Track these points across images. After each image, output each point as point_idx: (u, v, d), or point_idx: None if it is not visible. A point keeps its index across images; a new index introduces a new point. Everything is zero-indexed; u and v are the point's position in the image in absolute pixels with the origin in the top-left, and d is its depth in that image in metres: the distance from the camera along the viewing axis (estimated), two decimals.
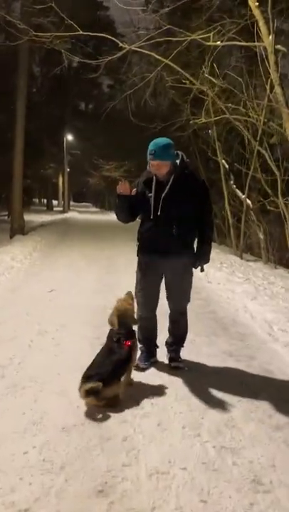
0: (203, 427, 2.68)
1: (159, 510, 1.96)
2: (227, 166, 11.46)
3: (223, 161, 11.27)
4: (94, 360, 3.05)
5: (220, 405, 2.98)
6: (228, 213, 11.23)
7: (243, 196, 10.58)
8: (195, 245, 3.57)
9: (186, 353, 3.92)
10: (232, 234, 11.37)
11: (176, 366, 3.59)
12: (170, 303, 3.66)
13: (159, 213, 3.37)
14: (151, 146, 3.30)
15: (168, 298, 3.64)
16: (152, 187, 3.40)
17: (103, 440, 2.49)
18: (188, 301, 3.66)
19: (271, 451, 2.45)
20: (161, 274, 3.56)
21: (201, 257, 3.54)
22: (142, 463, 2.29)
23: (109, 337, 3.21)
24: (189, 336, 4.35)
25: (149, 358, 3.68)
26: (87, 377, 2.85)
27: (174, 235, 3.38)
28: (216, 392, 3.18)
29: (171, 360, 3.66)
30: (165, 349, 3.76)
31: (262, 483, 2.17)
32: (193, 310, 5.46)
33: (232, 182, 11.38)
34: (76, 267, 8.37)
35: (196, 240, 3.57)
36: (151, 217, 3.40)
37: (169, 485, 2.12)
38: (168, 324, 3.76)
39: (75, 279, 7.19)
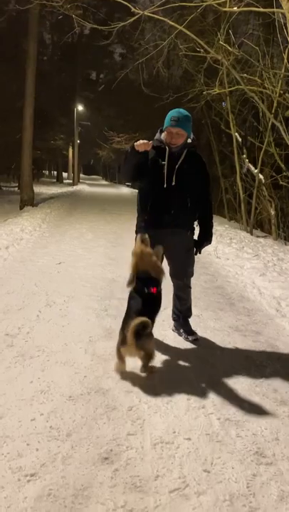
0: (208, 399, 2.71)
1: (162, 478, 1.99)
2: (240, 140, 11.20)
3: (236, 134, 11.01)
4: (130, 311, 2.97)
5: (225, 379, 3.00)
6: (240, 188, 11.05)
7: (256, 171, 10.37)
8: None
9: (193, 327, 3.93)
10: (243, 209, 11.23)
11: (195, 339, 3.59)
12: (175, 279, 3.61)
13: (173, 183, 3.26)
14: (174, 113, 3.22)
15: (173, 274, 3.58)
16: (166, 156, 3.28)
17: (109, 409, 2.53)
18: (193, 275, 3.66)
19: (275, 424, 2.47)
20: (166, 251, 3.43)
21: (207, 239, 3.51)
22: (147, 432, 2.33)
23: (137, 285, 3.07)
24: (196, 311, 4.36)
25: None
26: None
27: (187, 206, 3.32)
28: (221, 366, 3.20)
29: (187, 333, 3.63)
30: (170, 322, 3.81)
31: (265, 455, 2.20)
32: (200, 285, 5.48)
33: (245, 156, 11.14)
34: (84, 240, 8.37)
35: (199, 221, 3.53)
36: (165, 185, 3.27)
37: (172, 454, 2.16)
38: (172, 300, 3.75)
39: (83, 251, 7.19)
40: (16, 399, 2.59)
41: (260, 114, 10.12)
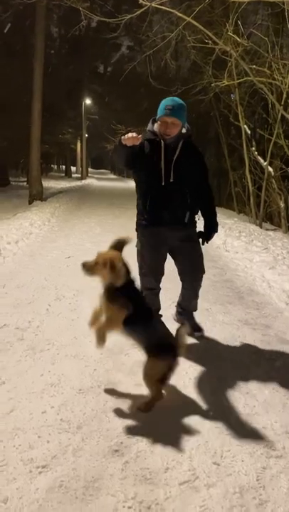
0: (217, 392, 2.71)
1: (172, 470, 2.01)
2: (249, 132, 11.10)
3: (245, 126, 10.90)
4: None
5: (234, 372, 3.00)
6: (249, 181, 10.96)
7: (265, 163, 10.28)
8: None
9: (201, 321, 3.92)
10: (252, 202, 11.15)
11: (202, 336, 3.54)
12: (186, 278, 3.44)
13: (171, 179, 3.09)
14: (168, 102, 3.02)
15: (182, 272, 3.42)
16: (161, 150, 3.08)
17: (119, 402, 2.54)
18: (204, 272, 3.45)
19: (285, 418, 2.47)
20: (169, 248, 3.32)
21: (214, 228, 3.36)
22: (157, 425, 2.34)
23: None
24: (205, 305, 4.36)
25: None
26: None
27: (187, 202, 3.17)
28: (230, 360, 3.20)
29: (193, 328, 3.50)
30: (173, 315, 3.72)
31: (275, 448, 2.20)
32: (209, 278, 5.46)
33: (254, 148, 11.04)
34: (92, 234, 8.38)
35: (202, 214, 3.39)
36: (162, 183, 3.09)
37: (182, 447, 2.17)
38: (179, 297, 3.61)
39: (92, 245, 7.21)
40: (26, 392, 2.62)
41: (270, 105, 10.01)
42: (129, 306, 2.44)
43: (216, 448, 2.18)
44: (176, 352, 2.46)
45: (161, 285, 3.51)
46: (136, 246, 3.33)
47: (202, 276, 3.45)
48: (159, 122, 3.08)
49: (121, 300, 2.46)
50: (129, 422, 2.36)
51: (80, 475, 1.96)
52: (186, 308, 3.60)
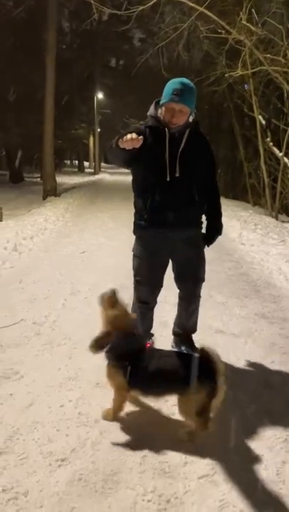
0: (235, 387, 2.69)
1: (191, 464, 2.00)
2: (264, 122, 10.93)
3: (260, 116, 10.74)
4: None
5: (252, 366, 2.98)
6: (264, 172, 10.82)
7: (281, 154, 10.12)
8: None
9: (217, 314, 3.90)
10: (267, 194, 11.01)
11: None
12: (182, 285, 3.00)
13: (177, 174, 2.67)
14: (177, 85, 2.57)
15: (180, 279, 2.98)
16: (166, 140, 2.66)
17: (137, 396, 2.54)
18: (204, 280, 3.01)
19: None
20: (171, 251, 2.88)
21: (218, 230, 2.95)
22: (176, 419, 2.33)
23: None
24: (220, 298, 4.33)
25: None
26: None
27: (195, 201, 2.76)
28: (248, 354, 3.17)
29: (193, 351, 2.96)
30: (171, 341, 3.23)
31: None
32: (224, 272, 5.43)
33: (269, 139, 10.88)
34: (106, 228, 8.39)
35: (207, 212, 2.94)
36: (168, 178, 2.67)
37: (201, 441, 2.16)
38: (176, 313, 3.15)
39: (106, 240, 7.22)
40: (45, 386, 2.64)
41: (285, 95, 9.83)
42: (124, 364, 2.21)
43: (235, 442, 2.16)
44: (215, 379, 2.08)
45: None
46: (132, 250, 2.97)
47: (201, 285, 3.00)
48: (164, 108, 2.64)
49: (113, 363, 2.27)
50: (147, 416, 2.36)
51: (98, 468, 1.96)
52: (183, 328, 3.12)
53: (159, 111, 2.69)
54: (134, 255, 2.95)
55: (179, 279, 2.99)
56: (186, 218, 2.78)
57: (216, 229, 2.94)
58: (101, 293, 2.39)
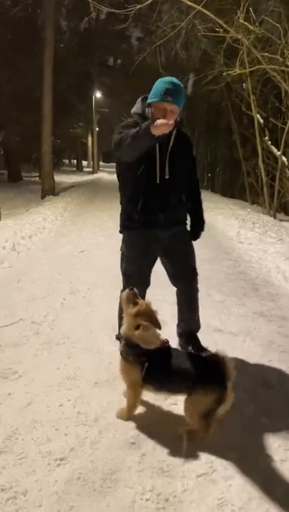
0: (237, 386, 2.69)
1: (189, 463, 2.01)
2: (262, 121, 10.94)
3: (258, 115, 10.75)
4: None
5: (250, 365, 2.98)
6: (262, 171, 10.83)
7: (279, 153, 10.13)
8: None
9: (216, 313, 3.91)
10: (265, 193, 11.02)
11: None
12: (180, 283, 3.01)
13: (167, 176, 2.66)
14: (168, 85, 2.53)
15: (176, 277, 2.98)
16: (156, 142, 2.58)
17: None
18: (198, 274, 3.05)
19: None
20: (160, 248, 2.88)
21: (201, 226, 2.99)
22: (175, 418, 2.33)
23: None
24: (219, 297, 4.34)
25: None
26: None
27: (183, 201, 2.81)
28: (246, 353, 3.17)
29: (198, 351, 3.00)
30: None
31: None
32: (223, 271, 5.44)
33: (267, 138, 10.88)
34: (105, 227, 8.39)
35: (190, 210, 2.98)
36: (158, 181, 2.65)
37: (201, 440, 2.16)
38: (178, 314, 3.13)
39: (105, 239, 7.22)
40: (43, 385, 2.64)
41: (283, 93, 9.84)
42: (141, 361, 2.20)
43: (236, 441, 2.17)
44: (225, 383, 2.08)
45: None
46: (120, 249, 2.94)
47: (197, 278, 3.03)
48: (153, 107, 2.58)
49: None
50: (146, 415, 2.36)
51: (97, 467, 1.97)
52: (188, 326, 3.10)
53: (148, 110, 2.64)
54: (122, 255, 2.93)
55: (175, 276, 2.99)
56: (175, 218, 2.81)
57: (199, 225, 2.98)
58: (121, 292, 2.38)
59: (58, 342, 3.26)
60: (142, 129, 2.35)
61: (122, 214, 2.89)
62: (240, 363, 3.00)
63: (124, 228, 2.88)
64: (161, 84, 2.57)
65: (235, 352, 3.15)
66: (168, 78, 2.61)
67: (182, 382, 2.17)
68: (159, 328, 2.25)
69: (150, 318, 2.23)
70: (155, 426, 2.27)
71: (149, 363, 2.19)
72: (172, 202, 2.75)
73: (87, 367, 2.88)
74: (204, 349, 3.03)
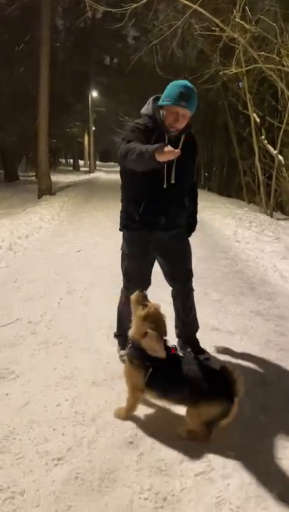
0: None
1: (187, 462, 2.01)
2: (258, 120, 10.95)
3: (254, 114, 10.76)
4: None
5: (248, 364, 2.98)
6: (259, 170, 10.84)
7: (275, 152, 10.15)
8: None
9: (213, 312, 3.91)
10: (262, 192, 11.04)
11: (207, 358, 2.96)
12: (177, 283, 3.01)
13: (172, 181, 2.65)
14: (184, 89, 2.49)
15: (173, 277, 2.99)
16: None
17: None
18: (193, 275, 3.06)
19: None
20: (159, 248, 2.87)
21: (194, 226, 3.03)
22: (173, 417, 2.33)
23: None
24: (216, 296, 4.34)
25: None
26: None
27: (186, 207, 2.84)
28: (244, 352, 3.18)
29: (196, 353, 2.99)
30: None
31: None
32: (220, 270, 5.44)
33: (263, 137, 10.90)
34: (102, 227, 8.38)
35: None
36: (164, 185, 2.64)
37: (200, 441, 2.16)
38: (175, 315, 3.09)
39: (102, 238, 7.21)
40: (40, 385, 2.63)
41: (279, 92, 9.85)
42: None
43: (234, 440, 2.17)
44: (232, 398, 2.07)
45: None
46: (121, 248, 2.97)
47: (192, 278, 3.04)
48: (166, 110, 2.56)
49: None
50: (144, 414, 2.36)
51: (95, 467, 1.96)
52: (185, 327, 3.09)
53: (162, 113, 2.59)
54: (123, 254, 2.94)
55: (171, 276, 2.99)
56: (176, 221, 2.80)
57: (193, 225, 3.01)
58: (132, 294, 2.35)
59: (55, 342, 3.25)
60: (148, 152, 2.27)
61: (122, 212, 2.89)
62: (238, 362, 3.00)
63: (124, 227, 2.88)
64: (175, 87, 2.53)
65: (232, 351, 3.16)
66: (182, 82, 2.57)
67: (186, 392, 2.14)
68: (165, 335, 2.23)
69: (158, 323, 2.21)
70: (153, 425, 2.27)
71: (154, 368, 2.17)
72: (175, 206, 2.75)
73: (84, 366, 2.87)
74: (203, 351, 3.01)
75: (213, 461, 2.01)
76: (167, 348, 2.23)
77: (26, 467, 1.95)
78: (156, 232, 2.78)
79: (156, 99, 2.66)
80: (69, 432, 2.20)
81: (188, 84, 2.55)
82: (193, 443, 2.11)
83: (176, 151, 2.24)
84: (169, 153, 2.22)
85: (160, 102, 2.60)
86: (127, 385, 2.31)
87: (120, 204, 2.93)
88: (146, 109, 2.67)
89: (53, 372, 2.79)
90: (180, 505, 1.77)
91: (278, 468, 1.99)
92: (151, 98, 2.68)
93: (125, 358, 2.38)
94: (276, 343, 3.34)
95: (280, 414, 2.40)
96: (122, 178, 2.85)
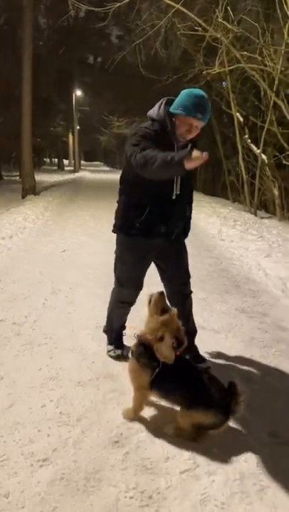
0: None
1: (173, 460, 2.02)
2: (241, 119, 11.04)
3: (238, 113, 10.84)
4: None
5: (234, 361, 3.01)
6: (243, 169, 10.93)
7: (258, 151, 10.25)
8: None
9: (198, 311, 3.93)
10: (246, 190, 11.14)
11: (208, 367, 2.81)
12: (176, 285, 2.92)
13: (178, 192, 2.60)
14: (202, 101, 2.42)
15: (172, 280, 2.91)
16: None
17: (118, 394, 2.54)
18: (190, 276, 3.01)
19: (282, 405, 2.49)
20: (156, 252, 2.83)
21: (187, 232, 2.99)
22: (158, 416, 2.34)
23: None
24: (202, 294, 4.36)
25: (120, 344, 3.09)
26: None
27: (186, 216, 2.86)
28: (228, 349, 3.20)
29: (196, 361, 2.82)
30: None
31: (275, 435, 2.22)
32: (205, 268, 5.47)
33: (247, 136, 10.99)
34: (87, 227, 8.34)
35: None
36: (173, 196, 2.60)
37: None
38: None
39: (87, 238, 7.19)
40: (25, 386, 2.61)
41: (262, 92, 9.94)
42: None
43: (219, 436, 2.18)
44: (228, 415, 2.09)
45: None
46: (115, 252, 2.91)
47: (190, 284, 2.98)
48: (179, 119, 2.47)
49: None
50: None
51: (80, 467, 1.96)
52: (188, 329, 2.87)
53: (173, 120, 2.48)
54: (117, 257, 2.89)
55: (170, 277, 2.91)
56: (175, 229, 2.77)
57: (188, 231, 2.96)
58: (149, 296, 2.28)
59: (39, 342, 3.23)
60: (175, 160, 2.13)
61: (120, 216, 2.78)
62: (223, 360, 3.03)
63: (120, 232, 2.79)
64: (191, 98, 2.43)
65: (217, 348, 3.19)
66: (199, 92, 2.46)
67: (188, 397, 2.14)
68: (183, 344, 2.19)
69: (177, 332, 2.16)
70: (139, 424, 2.27)
71: (161, 369, 2.16)
72: (176, 215, 2.72)
73: (69, 367, 2.86)
74: (204, 360, 2.92)
75: (198, 458, 2.03)
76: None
77: (11, 469, 1.94)
78: (155, 239, 2.73)
79: (168, 102, 2.55)
80: (54, 433, 2.19)
81: (204, 94, 2.47)
82: (178, 441, 2.12)
83: (204, 154, 2.11)
84: (198, 159, 2.11)
85: (172, 110, 2.49)
86: (132, 384, 2.30)
87: (112, 205, 2.85)
88: (157, 114, 2.55)
89: (37, 373, 2.77)
90: (165, 503, 1.78)
91: (263, 465, 2.01)
92: (163, 101, 2.57)
93: (128, 355, 2.36)
94: (260, 340, 3.38)
95: (264, 410, 2.43)
96: (121, 182, 2.77)
